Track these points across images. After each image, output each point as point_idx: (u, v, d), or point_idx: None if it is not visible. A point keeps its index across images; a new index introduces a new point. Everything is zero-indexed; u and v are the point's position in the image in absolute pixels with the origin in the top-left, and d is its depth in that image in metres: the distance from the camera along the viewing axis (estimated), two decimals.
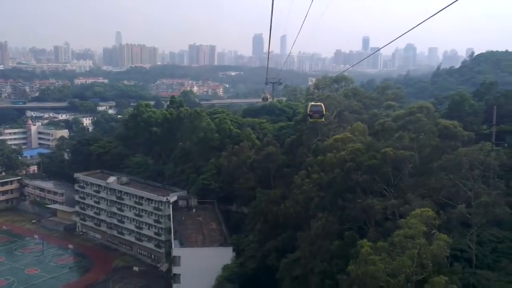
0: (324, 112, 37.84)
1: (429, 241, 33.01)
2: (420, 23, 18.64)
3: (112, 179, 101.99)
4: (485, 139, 58.66)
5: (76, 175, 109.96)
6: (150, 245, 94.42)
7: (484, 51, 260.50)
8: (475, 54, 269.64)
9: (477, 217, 41.75)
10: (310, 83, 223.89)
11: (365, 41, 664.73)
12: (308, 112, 38.32)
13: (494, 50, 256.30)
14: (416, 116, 52.35)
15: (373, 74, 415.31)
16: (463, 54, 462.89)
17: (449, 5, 16.62)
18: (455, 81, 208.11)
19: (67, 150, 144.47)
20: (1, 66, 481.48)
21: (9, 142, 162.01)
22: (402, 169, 48.56)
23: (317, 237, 50.25)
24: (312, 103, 39.25)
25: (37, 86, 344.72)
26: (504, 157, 46.89)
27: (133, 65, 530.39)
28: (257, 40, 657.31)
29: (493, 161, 44.12)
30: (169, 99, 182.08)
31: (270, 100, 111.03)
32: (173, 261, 71.00)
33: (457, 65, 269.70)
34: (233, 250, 68.78)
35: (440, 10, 16.97)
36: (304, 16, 25.44)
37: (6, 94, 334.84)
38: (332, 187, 53.57)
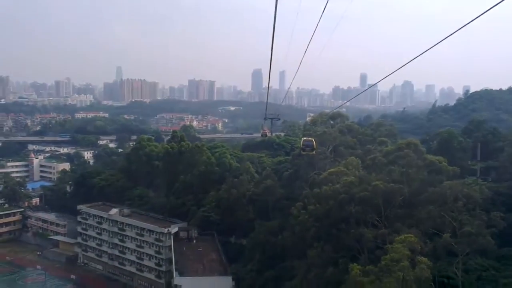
0: (315, 147, 41.48)
1: (413, 265, 36.00)
2: (411, 60, 19.48)
3: (114, 211, 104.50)
4: (472, 173, 62.29)
5: (79, 207, 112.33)
6: (151, 276, 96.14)
7: (479, 89, 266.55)
8: (470, 92, 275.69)
9: (462, 246, 44.74)
10: (308, 118, 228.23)
11: (363, 77, 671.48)
12: (301, 146, 42.17)
13: (489, 88, 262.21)
14: (404, 152, 55.96)
15: (371, 110, 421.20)
16: (460, 91, 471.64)
17: (437, 44, 17.33)
18: (450, 118, 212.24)
19: (70, 182, 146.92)
20: (3, 100, 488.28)
21: (12, 175, 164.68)
22: (392, 201, 51.76)
23: (313, 265, 53.12)
24: (304, 138, 43.18)
25: (38, 120, 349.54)
26: (486, 190, 50.18)
27: (133, 100, 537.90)
28: (256, 75, 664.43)
29: (475, 193, 47.40)
30: (169, 133, 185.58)
31: (269, 135, 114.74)
32: None
33: (454, 102, 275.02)
34: (233, 279, 71.05)
35: (429, 49, 17.86)
36: (303, 52, 25.45)
37: (8, 128, 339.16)
38: (327, 218, 56.58)
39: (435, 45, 17.40)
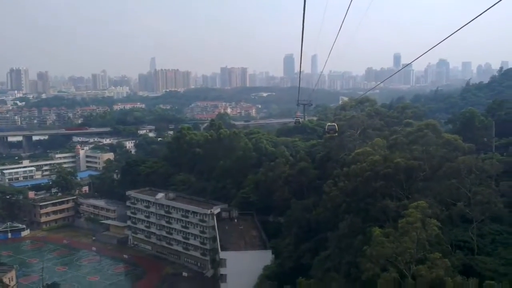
0: (337, 129, 48.74)
1: (425, 227, 42.29)
2: (444, 40, 19.91)
3: (160, 195, 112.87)
4: (490, 150, 67.51)
5: (128, 192, 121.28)
6: (196, 254, 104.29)
7: None
8: (505, 68, 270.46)
9: (475, 214, 50.41)
10: (340, 101, 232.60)
11: (397, 58, 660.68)
12: (326, 129, 49.63)
13: None
14: (424, 132, 61.61)
15: (405, 91, 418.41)
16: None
17: (474, 18, 17.11)
18: (484, 95, 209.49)
19: (116, 171, 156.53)
20: (44, 94, 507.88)
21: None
22: (413, 176, 57.68)
23: (344, 235, 59.51)
24: (328, 123, 50.69)
25: (79, 112, 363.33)
26: (497, 163, 55.61)
27: (167, 90, 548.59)
28: (288, 60, 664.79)
29: (487, 166, 52.96)
30: (204, 121, 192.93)
31: (301, 121, 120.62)
32: (219, 263, 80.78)
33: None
34: (272, 253, 78.04)
35: (466, 24, 17.75)
36: (334, 34, 25.67)
37: (51, 121, 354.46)
38: (355, 193, 62.80)
39: (470, 22, 17.55)
